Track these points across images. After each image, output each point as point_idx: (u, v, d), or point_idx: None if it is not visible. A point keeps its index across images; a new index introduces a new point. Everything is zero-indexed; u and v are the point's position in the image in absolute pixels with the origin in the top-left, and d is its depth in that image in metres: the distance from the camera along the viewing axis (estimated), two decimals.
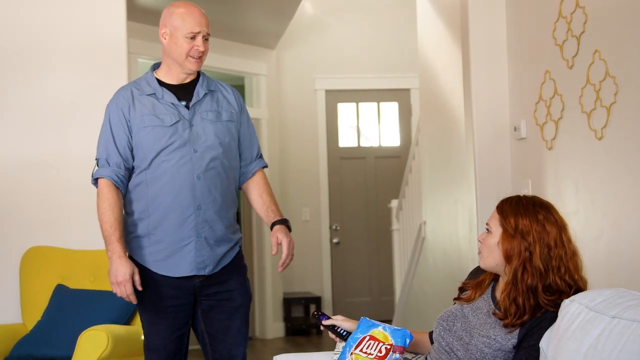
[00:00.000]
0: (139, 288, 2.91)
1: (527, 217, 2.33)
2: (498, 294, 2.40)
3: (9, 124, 4.35)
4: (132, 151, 2.96)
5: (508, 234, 2.33)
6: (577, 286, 2.32)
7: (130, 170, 2.98)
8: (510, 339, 2.28)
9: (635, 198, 3.00)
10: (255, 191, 3.16)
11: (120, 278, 2.85)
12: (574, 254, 2.34)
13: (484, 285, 2.47)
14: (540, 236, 2.31)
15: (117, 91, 3.04)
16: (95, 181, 2.97)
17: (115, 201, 2.93)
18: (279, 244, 3.01)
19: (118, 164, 2.95)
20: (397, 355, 2.32)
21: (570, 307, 2.17)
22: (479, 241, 2.44)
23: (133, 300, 2.89)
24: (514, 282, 2.30)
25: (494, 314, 2.33)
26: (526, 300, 2.28)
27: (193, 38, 2.93)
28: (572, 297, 2.21)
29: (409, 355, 2.60)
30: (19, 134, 4.36)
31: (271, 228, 3.10)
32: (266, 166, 3.22)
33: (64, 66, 4.45)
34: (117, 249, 2.87)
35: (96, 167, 2.98)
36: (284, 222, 3.09)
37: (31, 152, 4.36)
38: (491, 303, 2.40)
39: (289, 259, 3.03)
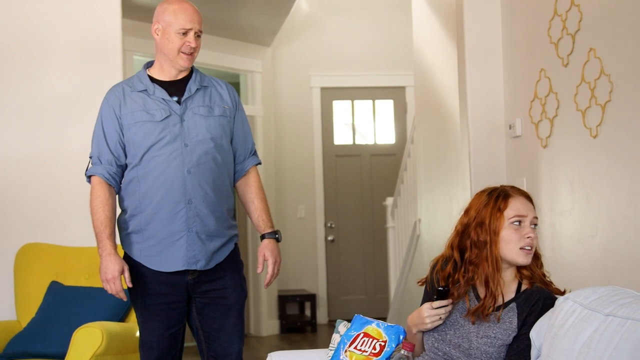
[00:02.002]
0: (129, 285, 2.92)
1: None
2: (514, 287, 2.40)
3: (4, 122, 4.34)
4: (124, 148, 2.97)
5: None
6: None
7: (123, 168, 2.99)
8: (510, 333, 2.32)
9: (630, 196, 3.01)
10: (247, 195, 3.15)
11: (109, 275, 2.86)
12: None
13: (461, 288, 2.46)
14: None
15: (109, 89, 3.05)
16: (89, 179, 2.98)
17: (107, 198, 2.93)
18: (265, 261, 3.06)
19: (110, 162, 2.96)
20: (406, 352, 2.31)
21: (564, 305, 2.17)
22: (533, 237, 2.40)
23: (123, 297, 2.90)
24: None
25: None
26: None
27: (185, 34, 2.93)
28: (566, 295, 2.21)
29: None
30: (14, 132, 4.35)
31: (261, 239, 3.12)
32: (260, 163, 3.22)
33: (59, 64, 4.43)
34: (107, 246, 2.88)
35: (90, 165, 2.99)
36: (274, 235, 3.10)
37: (26, 149, 4.35)
38: (476, 303, 2.39)
39: (273, 277, 3.09)
